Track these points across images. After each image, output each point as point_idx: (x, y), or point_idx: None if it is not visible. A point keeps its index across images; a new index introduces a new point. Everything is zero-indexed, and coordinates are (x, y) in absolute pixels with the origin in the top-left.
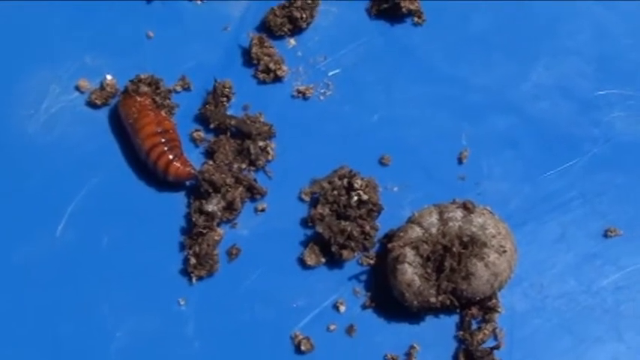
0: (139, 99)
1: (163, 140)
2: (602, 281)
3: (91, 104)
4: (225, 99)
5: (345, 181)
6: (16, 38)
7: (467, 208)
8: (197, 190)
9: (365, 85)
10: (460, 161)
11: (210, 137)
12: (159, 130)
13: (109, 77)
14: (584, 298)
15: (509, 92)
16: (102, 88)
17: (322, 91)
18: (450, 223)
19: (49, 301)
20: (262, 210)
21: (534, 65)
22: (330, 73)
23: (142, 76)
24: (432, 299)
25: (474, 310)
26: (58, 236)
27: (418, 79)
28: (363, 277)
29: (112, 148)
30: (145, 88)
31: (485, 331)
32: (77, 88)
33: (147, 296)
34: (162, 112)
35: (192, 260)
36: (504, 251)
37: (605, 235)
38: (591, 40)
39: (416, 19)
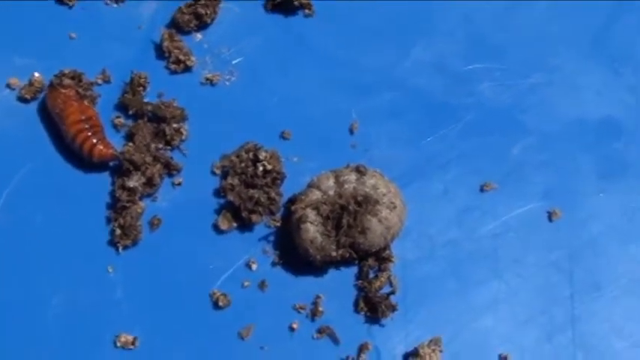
0: (63, 91)
1: (87, 126)
2: (481, 230)
3: (22, 99)
4: (141, 88)
5: (251, 154)
6: None
7: (360, 171)
8: (119, 169)
9: (265, 70)
10: (351, 132)
11: (130, 122)
12: (82, 118)
13: (36, 74)
14: (466, 245)
15: (392, 71)
16: (30, 84)
17: (227, 77)
18: (346, 185)
19: None
20: (179, 184)
21: (413, 47)
22: (234, 62)
23: (65, 71)
24: (333, 253)
25: (371, 261)
26: None
27: (312, 63)
28: (271, 238)
29: (42, 136)
30: (68, 81)
31: (382, 279)
32: (8, 86)
33: (79, 266)
34: (85, 102)
35: (118, 231)
36: (394, 207)
37: (482, 190)
38: (460, 24)
39: (307, 11)
